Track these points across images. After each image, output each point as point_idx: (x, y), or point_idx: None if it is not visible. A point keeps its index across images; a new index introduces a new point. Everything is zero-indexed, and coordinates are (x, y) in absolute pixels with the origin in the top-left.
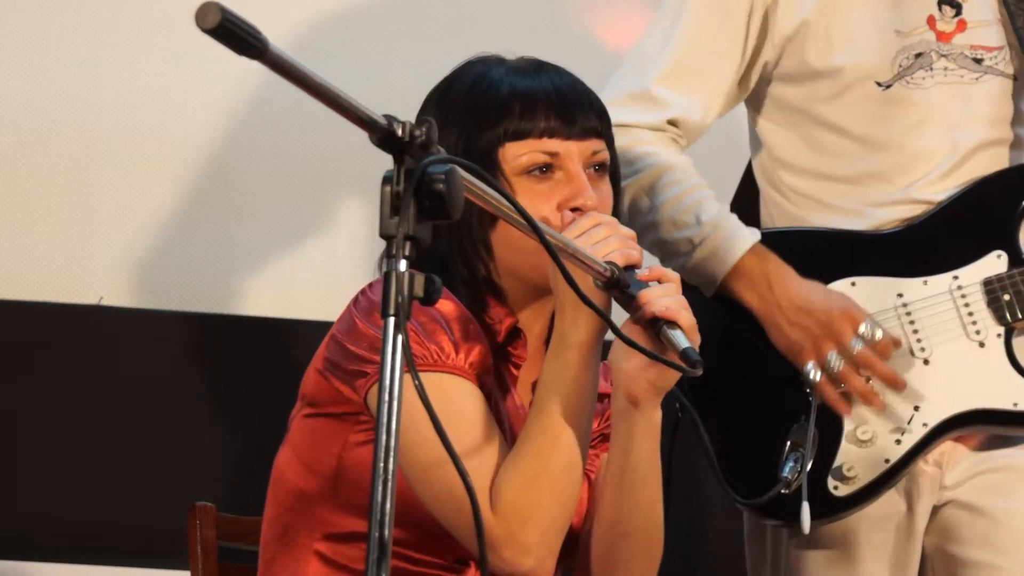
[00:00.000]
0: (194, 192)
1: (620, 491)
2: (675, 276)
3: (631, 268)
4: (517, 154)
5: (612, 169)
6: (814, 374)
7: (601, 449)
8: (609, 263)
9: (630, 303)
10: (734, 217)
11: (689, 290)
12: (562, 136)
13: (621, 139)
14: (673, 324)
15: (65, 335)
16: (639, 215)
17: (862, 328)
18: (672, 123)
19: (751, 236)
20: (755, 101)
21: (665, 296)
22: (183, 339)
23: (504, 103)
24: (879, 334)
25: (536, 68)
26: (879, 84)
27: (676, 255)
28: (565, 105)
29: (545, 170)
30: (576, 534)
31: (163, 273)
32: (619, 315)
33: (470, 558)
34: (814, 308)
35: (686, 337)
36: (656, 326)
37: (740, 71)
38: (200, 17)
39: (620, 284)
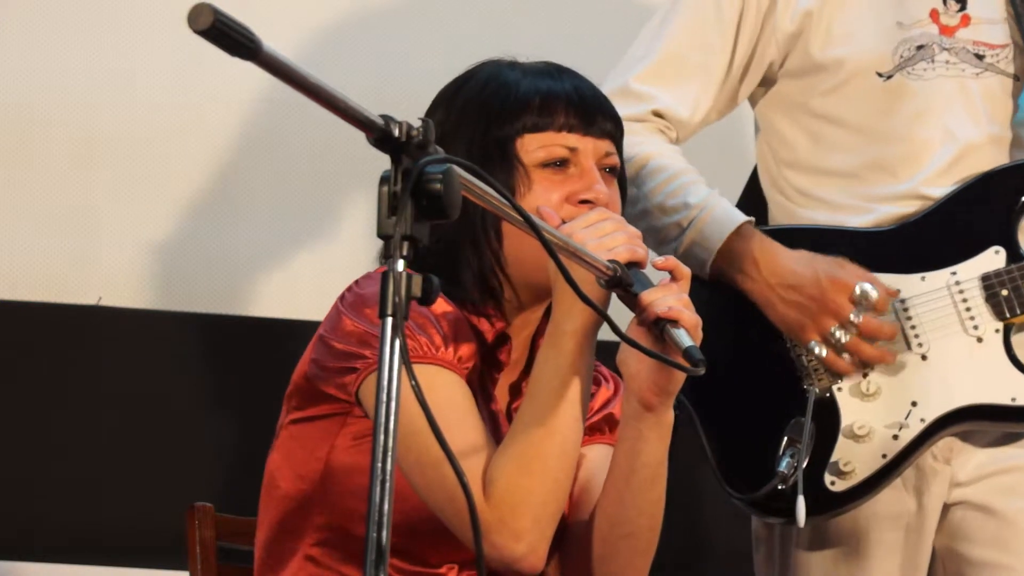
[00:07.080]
0: (194, 192)
1: (628, 491)
2: (687, 272)
3: (636, 266)
4: (535, 146)
5: (620, 176)
6: (819, 350)
7: (590, 441)
8: (612, 261)
9: (634, 302)
10: (723, 199)
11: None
12: (580, 132)
13: None
14: (676, 323)
15: (64, 335)
16: (627, 204)
17: (857, 292)
18: (657, 114)
19: (739, 217)
20: (760, 101)
21: (667, 296)
22: (183, 339)
23: (524, 98)
24: (873, 294)
25: (556, 70)
26: (880, 75)
27: (667, 241)
28: (584, 105)
29: (561, 164)
30: (564, 524)
31: (162, 273)
32: (624, 314)
33: (457, 560)
34: (804, 282)
35: (689, 336)
36: (659, 326)
37: (733, 68)
38: (192, 19)
39: (623, 283)
